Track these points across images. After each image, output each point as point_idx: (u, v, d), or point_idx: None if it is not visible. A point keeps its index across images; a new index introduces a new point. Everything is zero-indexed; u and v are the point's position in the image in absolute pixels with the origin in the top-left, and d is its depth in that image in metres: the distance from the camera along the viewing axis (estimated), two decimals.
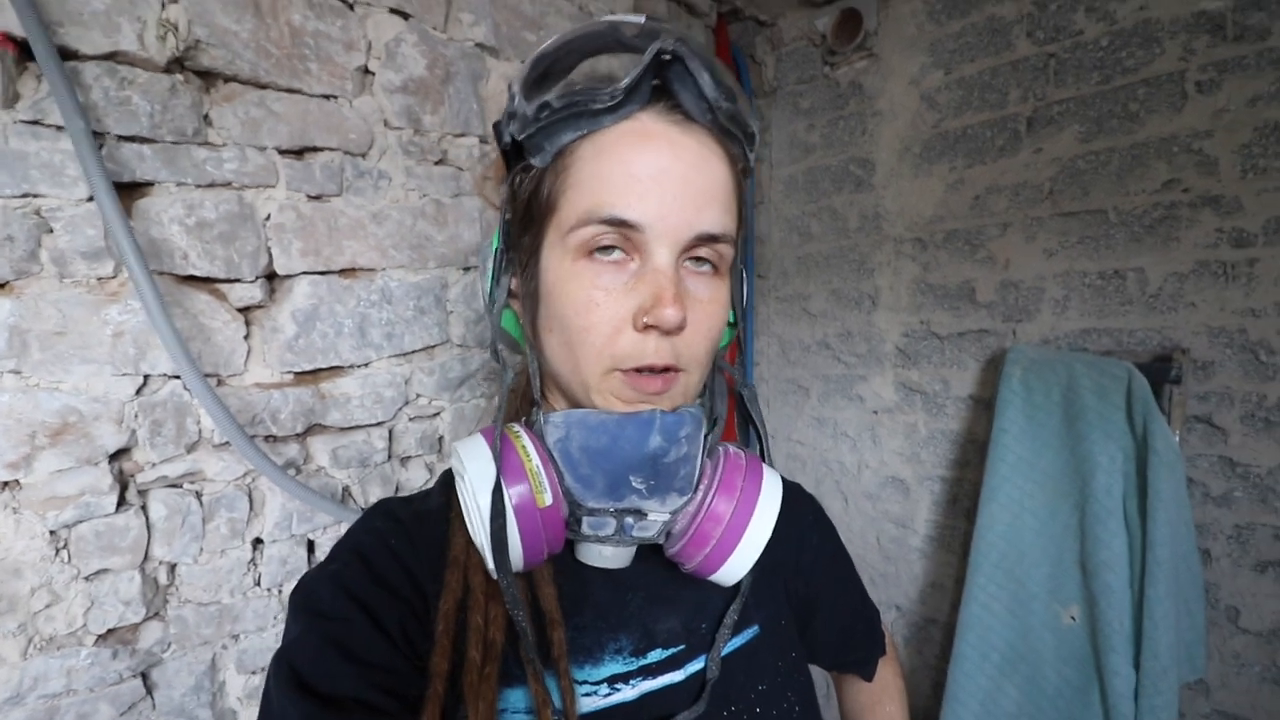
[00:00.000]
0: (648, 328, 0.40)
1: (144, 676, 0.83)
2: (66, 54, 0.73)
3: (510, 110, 0.43)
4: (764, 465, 0.48)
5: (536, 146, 0.43)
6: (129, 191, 0.79)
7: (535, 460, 0.42)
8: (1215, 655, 1.25)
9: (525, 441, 0.43)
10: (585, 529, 0.43)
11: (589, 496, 0.42)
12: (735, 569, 0.44)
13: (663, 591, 0.49)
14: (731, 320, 0.50)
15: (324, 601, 0.42)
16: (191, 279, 0.85)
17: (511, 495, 0.40)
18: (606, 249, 0.41)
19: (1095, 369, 1.25)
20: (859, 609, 0.66)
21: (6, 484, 0.73)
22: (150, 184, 0.80)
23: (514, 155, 0.46)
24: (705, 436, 0.45)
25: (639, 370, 0.42)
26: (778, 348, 1.93)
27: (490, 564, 0.40)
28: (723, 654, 0.49)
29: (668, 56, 0.40)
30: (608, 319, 0.41)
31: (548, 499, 0.41)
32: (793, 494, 0.63)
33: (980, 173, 1.49)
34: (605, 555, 0.45)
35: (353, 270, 1.00)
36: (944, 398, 1.59)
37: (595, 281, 0.41)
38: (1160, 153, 1.27)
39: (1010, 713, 1.26)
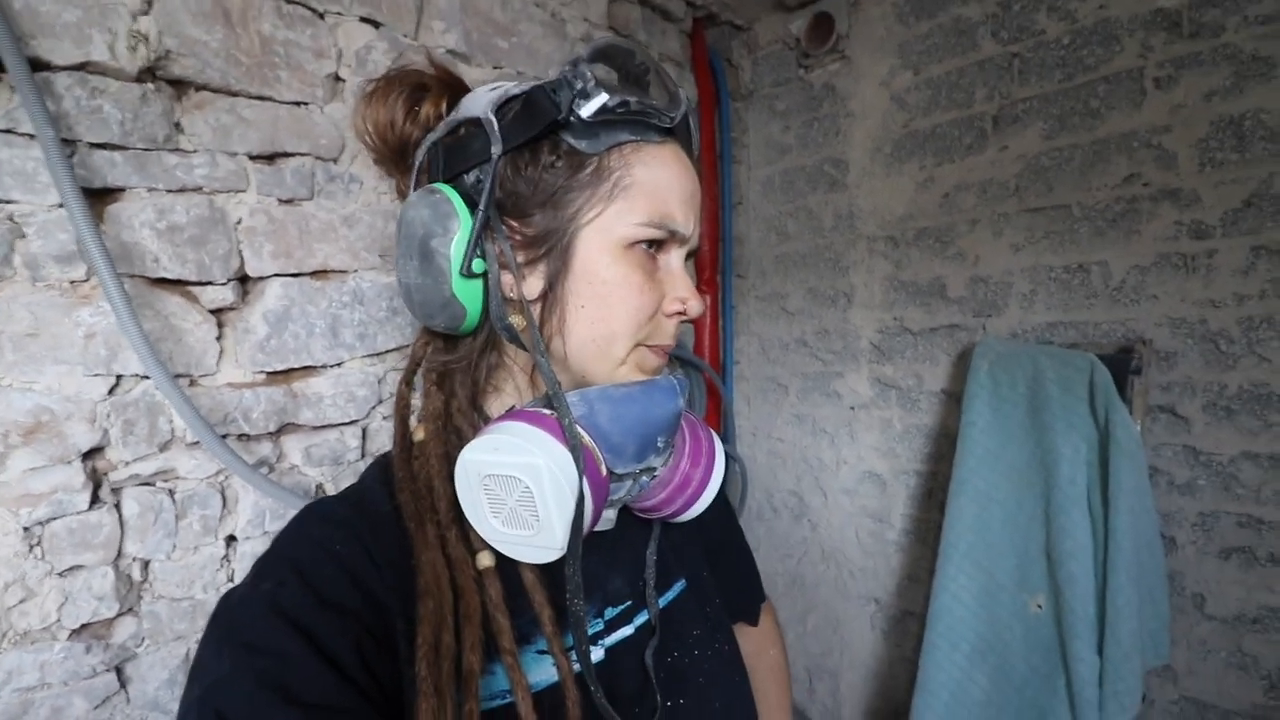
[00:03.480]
0: (676, 314, 0.50)
1: (118, 671, 0.85)
2: (38, 65, 0.75)
3: (582, 89, 0.44)
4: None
5: (592, 134, 0.46)
6: (100, 197, 0.82)
7: (587, 436, 0.43)
8: (1182, 642, 1.27)
9: (574, 424, 0.43)
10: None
11: (619, 463, 0.45)
12: (704, 504, 0.53)
13: (610, 554, 0.54)
14: None
15: (255, 631, 0.37)
16: (163, 281, 0.87)
17: (588, 476, 0.41)
18: (648, 245, 0.48)
19: (1059, 361, 1.28)
20: (743, 557, 0.74)
21: None
22: (121, 189, 0.83)
23: (542, 131, 0.45)
24: None
25: (649, 346, 0.50)
26: (757, 346, 1.95)
27: (561, 544, 0.40)
28: (662, 604, 0.55)
29: (685, 106, 0.50)
30: (651, 302, 0.48)
31: (604, 470, 0.44)
32: None
33: (949, 171, 1.52)
34: (609, 517, 0.50)
35: (324, 272, 1.02)
36: (918, 392, 1.62)
37: (643, 268, 0.48)
38: (1121, 148, 1.29)
39: (979, 701, 1.28)
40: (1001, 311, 1.46)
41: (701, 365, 1.70)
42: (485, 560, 0.44)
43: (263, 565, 0.42)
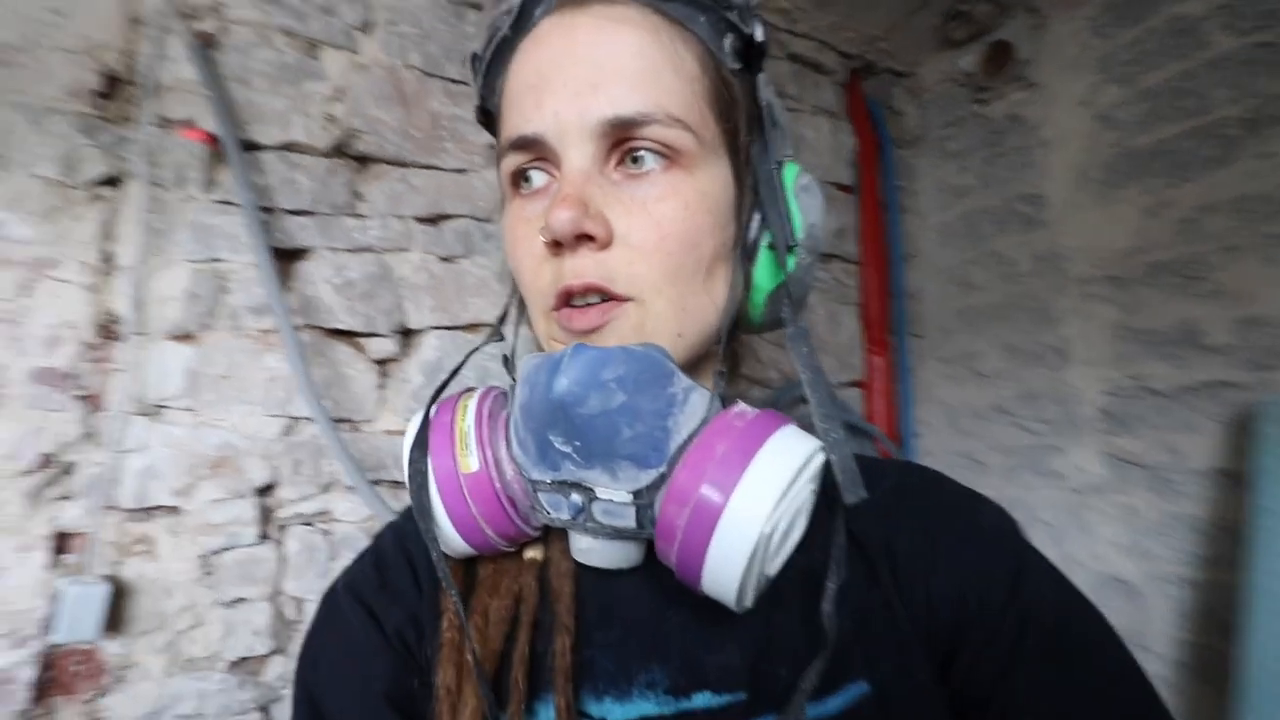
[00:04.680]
0: (554, 246, 0.34)
1: (264, 710, 0.86)
2: (250, 145, 0.88)
3: (475, 88, 0.43)
4: (785, 425, 0.33)
5: (495, 107, 0.41)
6: (290, 256, 0.92)
7: (469, 420, 0.36)
8: None
9: (470, 402, 0.38)
10: (547, 508, 0.35)
11: (529, 464, 0.34)
12: (719, 572, 0.30)
13: (718, 612, 0.34)
14: (767, 243, 0.38)
15: (334, 602, 0.43)
16: (337, 332, 0.95)
17: (431, 457, 0.36)
18: (526, 178, 0.37)
19: None
20: (1120, 701, 0.36)
21: (171, 509, 0.83)
22: (308, 249, 0.93)
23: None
24: (685, 393, 0.33)
25: (568, 305, 0.35)
26: (943, 415, 1.68)
27: (435, 534, 0.37)
28: (814, 716, 0.35)
29: None
30: (530, 252, 0.36)
31: (472, 463, 0.35)
32: (968, 503, 0.42)
33: (1186, 191, 1.23)
34: (581, 548, 0.36)
35: (476, 325, 1.05)
36: (1174, 471, 1.25)
37: (519, 215, 0.37)
38: None
39: None
40: None
41: (872, 431, 1.49)
42: (530, 552, 0.41)
43: (360, 552, 0.47)
